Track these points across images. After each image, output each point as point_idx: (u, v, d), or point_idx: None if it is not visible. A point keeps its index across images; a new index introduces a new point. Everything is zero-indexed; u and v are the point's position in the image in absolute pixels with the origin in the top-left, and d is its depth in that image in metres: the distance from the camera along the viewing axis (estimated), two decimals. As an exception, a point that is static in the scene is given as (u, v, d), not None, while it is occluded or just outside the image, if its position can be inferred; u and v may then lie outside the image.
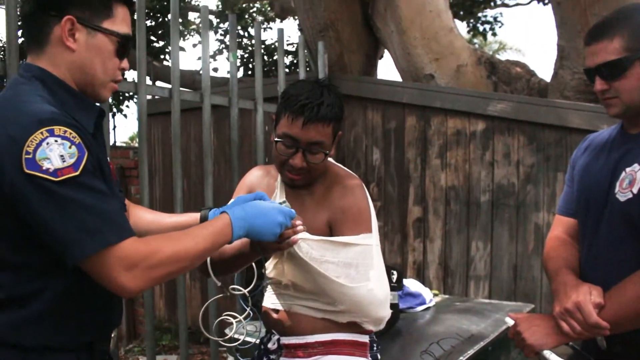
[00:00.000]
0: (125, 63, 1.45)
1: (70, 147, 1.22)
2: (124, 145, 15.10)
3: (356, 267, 1.69)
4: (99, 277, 1.26)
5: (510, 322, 1.67)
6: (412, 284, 2.88)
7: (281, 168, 1.77)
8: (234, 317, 1.90)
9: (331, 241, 1.69)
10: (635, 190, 1.49)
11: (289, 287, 1.78)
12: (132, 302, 5.61)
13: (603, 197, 1.59)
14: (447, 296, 3.17)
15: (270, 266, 1.83)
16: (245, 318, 1.87)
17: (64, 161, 1.21)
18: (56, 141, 1.21)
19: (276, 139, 1.72)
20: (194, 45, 9.35)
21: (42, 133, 1.21)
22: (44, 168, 1.19)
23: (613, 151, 1.63)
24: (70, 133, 1.23)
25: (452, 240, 3.96)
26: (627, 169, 1.53)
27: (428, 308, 2.75)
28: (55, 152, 1.21)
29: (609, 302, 1.47)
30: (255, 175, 1.97)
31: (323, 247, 1.67)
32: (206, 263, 1.74)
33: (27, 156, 1.19)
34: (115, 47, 1.40)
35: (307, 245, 1.65)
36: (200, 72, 8.27)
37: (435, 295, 2.98)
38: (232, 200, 1.99)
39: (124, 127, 44.08)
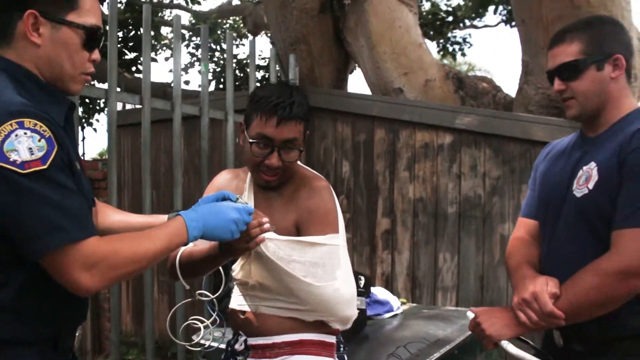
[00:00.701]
0: (96, 54, 1.43)
1: (39, 141, 1.20)
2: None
3: (323, 266, 1.71)
4: (57, 274, 1.26)
5: (471, 315, 1.71)
6: (380, 292, 2.91)
7: (256, 170, 1.78)
8: (201, 322, 1.90)
9: (298, 241, 1.71)
10: (590, 186, 1.55)
11: (255, 288, 1.79)
12: (98, 315, 5.52)
13: (562, 196, 1.65)
14: (414, 305, 3.20)
15: (237, 267, 1.84)
16: (212, 323, 1.87)
17: (32, 154, 1.19)
18: (25, 133, 1.19)
19: (250, 140, 1.74)
20: (166, 59, 9.35)
21: (11, 125, 1.19)
22: (11, 160, 1.18)
23: (573, 153, 1.69)
24: (41, 126, 1.21)
25: (420, 252, 4.00)
26: (584, 167, 1.59)
27: (395, 315, 2.78)
28: (24, 145, 1.19)
29: (564, 292, 1.51)
30: (223, 178, 1.98)
31: (290, 246, 1.69)
32: (175, 266, 1.75)
33: None
34: (82, 39, 1.37)
35: (274, 245, 1.67)
36: (172, 84, 8.26)
37: (403, 303, 3.01)
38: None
39: (93, 141, 43.74)
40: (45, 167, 1.20)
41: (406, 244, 4.05)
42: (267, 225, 1.59)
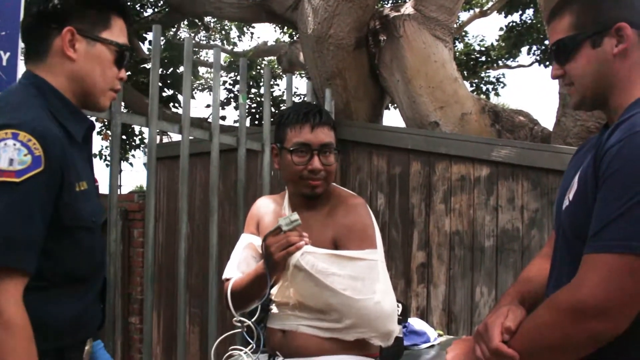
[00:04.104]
0: (123, 73, 1.50)
1: (25, 155, 1.21)
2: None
3: (362, 280, 1.71)
4: None
5: None
6: (416, 323, 2.85)
7: (300, 181, 1.81)
8: (240, 350, 1.89)
9: (337, 255, 1.71)
10: (570, 197, 1.27)
11: (295, 308, 1.79)
12: (129, 348, 5.52)
13: (560, 206, 1.36)
14: (451, 337, 3.12)
15: (276, 289, 1.84)
16: (252, 351, 1.86)
17: (10, 165, 1.20)
18: (14, 145, 1.21)
19: (291, 149, 1.79)
20: (202, 90, 9.60)
21: (6, 133, 1.22)
22: None
23: (587, 153, 1.34)
24: (34, 143, 1.22)
25: (456, 286, 3.93)
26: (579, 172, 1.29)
27: (432, 346, 2.72)
28: (7, 154, 1.20)
29: (522, 327, 1.25)
30: (262, 203, 2.02)
31: (329, 260, 1.69)
32: (227, 298, 1.79)
33: None
34: (114, 56, 1.46)
35: (313, 257, 1.68)
36: (208, 119, 8.40)
37: (440, 335, 2.95)
38: (243, 234, 2.02)
39: (129, 173, 44.54)
40: (16, 180, 1.20)
41: (442, 277, 3.99)
42: (306, 239, 1.62)
